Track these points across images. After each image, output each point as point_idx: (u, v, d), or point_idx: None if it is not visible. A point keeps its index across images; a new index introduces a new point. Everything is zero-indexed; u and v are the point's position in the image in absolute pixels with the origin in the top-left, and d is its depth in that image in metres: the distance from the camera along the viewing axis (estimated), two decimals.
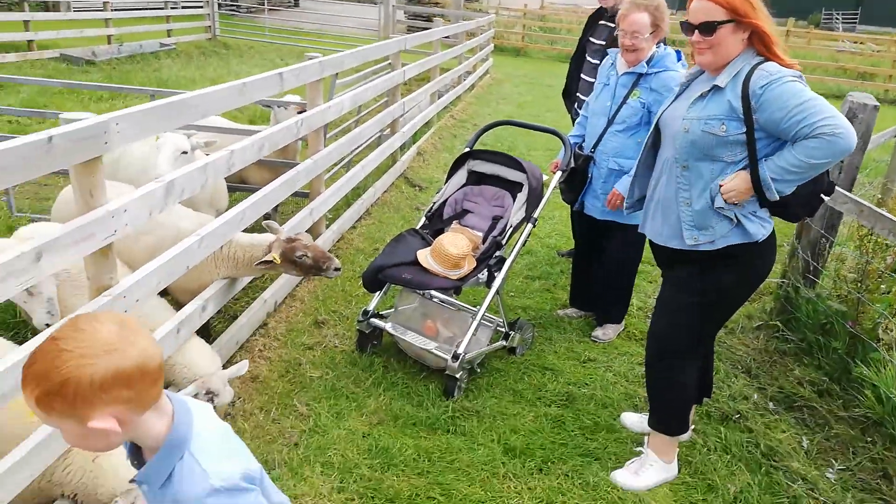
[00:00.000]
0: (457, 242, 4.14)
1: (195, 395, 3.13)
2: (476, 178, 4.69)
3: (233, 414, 3.80)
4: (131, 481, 1.52)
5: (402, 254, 4.29)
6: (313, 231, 5.79)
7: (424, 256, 4.21)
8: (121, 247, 3.40)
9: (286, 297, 5.18)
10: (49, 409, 1.35)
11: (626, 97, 4.26)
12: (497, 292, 4.20)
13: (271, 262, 3.89)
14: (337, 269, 4.11)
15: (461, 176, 4.69)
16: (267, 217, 5.88)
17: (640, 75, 4.23)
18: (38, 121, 8.03)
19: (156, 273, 3.13)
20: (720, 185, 2.98)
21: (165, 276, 3.25)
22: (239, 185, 5.96)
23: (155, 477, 1.49)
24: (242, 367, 3.39)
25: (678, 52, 4.27)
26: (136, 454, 1.56)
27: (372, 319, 4.42)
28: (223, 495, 1.47)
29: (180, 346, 3.38)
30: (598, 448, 3.74)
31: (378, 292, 4.49)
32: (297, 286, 5.38)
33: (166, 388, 1.52)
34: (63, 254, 2.48)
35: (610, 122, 4.36)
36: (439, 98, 11.04)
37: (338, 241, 6.31)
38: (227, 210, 4.81)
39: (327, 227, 6.10)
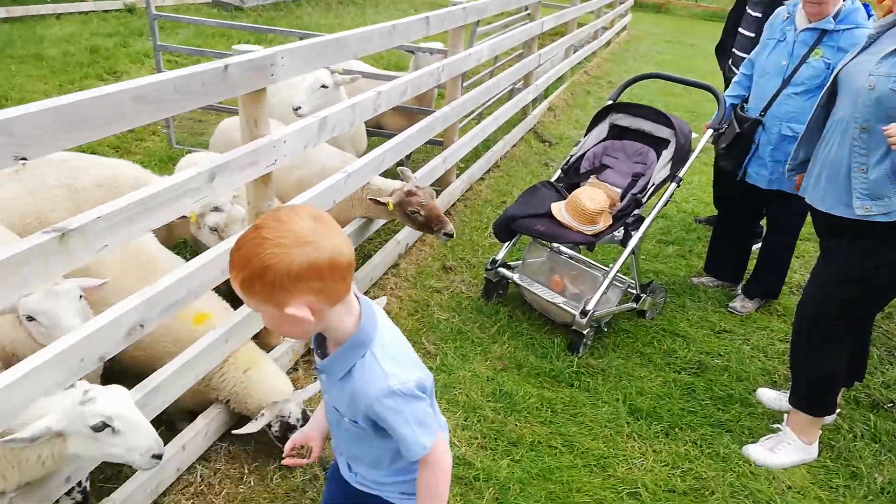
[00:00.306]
0: (594, 197, 4.03)
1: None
2: (617, 133, 4.51)
3: None
4: (314, 368, 1.64)
5: (535, 205, 4.23)
6: (444, 180, 5.85)
7: (559, 209, 4.14)
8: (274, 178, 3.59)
9: (417, 241, 5.30)
10: (251, 293, 1.44)
11: (807, 56, 3.82)
12: (632, 252, 4.08)
13: (384, 204, 3.95)
14: (447, 234, 4.10)
15: (602, 129, 4.53)
16: (401, 163, 6.03)
17: (825, 32, 3.74)
18: (194, 59, 8.59)
19: (311, 203, 3.28)
20: None
21: (317, 207, 3.40)
22: (376, 130, 6.10)
23: (337, 369, 1.58)
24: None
25: (866, 6, 3.82)
26: (321, 345, 1.65)
27: (500, 269, 4.43)
28: (399, 398, 1.53)
29: None
30: (730, 420, 3.59)
31: (507, 242, 4.48)
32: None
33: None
34: (232, 177, 2.65)
35: (785, 83, 3.92)
36: (574, 53, 10.68)
37: (466, 192, 6.35)
38: (365, 153, 4.97)
39: (457, 176, 6.14)
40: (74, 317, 2.37)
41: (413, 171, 5.00)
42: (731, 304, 4.66)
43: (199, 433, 3.00)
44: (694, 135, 4.32)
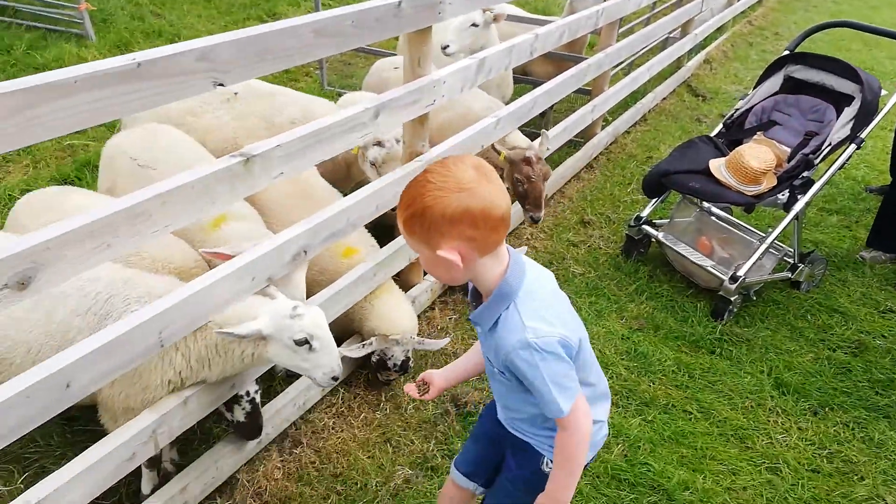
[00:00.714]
0: (759, 155, 3.73)
1: None
2: (793, 86, 4.13)
3: None
4: (467, 319, 1.69)
5: (691, 161, 3.99)
6: (589, 131, 5.68)
7: (717, 167, 3.88)
8: None
9: (555, 193, 5.23)
10: (411, 232, 1.52)
11: None
12: (795, 218, 3.78)
13: (498, 153, 3.86)
14: (534, 219, 3.89)
15: (774, 82, 4.17)
16: (544, 114, 5.92)
17: None
18: (351, 2, 8.80)
19: (458, 147, 3.31)
20: None
21: (463, 152, 3.43)
22: (521, 77, 6.00)
23: (485, 319, 1.62)
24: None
25: None
26: (476, 297, 1.69)
27: (644, 226, 4.28)
28: (536, 353, 1.53)
29: None
30: (889, 406, 3.31)
31: (655, 199, 4.31)
32: (566, 184, 5.39)
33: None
34: (394, 115, 2.73)
35: None
36: (738, 0, 9.84)
37: (610, 144, 6.14)
38: (510, 100, 4.91)
39: (602, 128, 5.94)
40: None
41: (556, 123, 4.90)
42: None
43: (344, 359, 3.20)
44: (883, 92, 3.88)
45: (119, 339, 1.90)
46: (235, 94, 3.62)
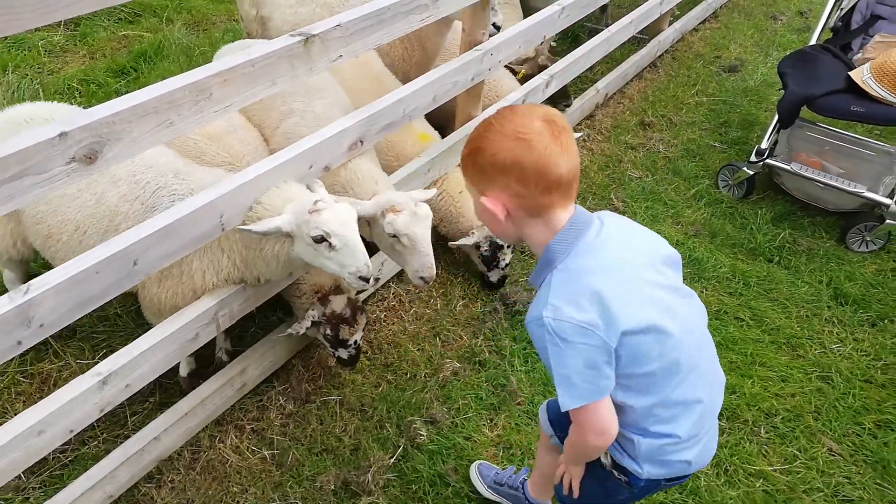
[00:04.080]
0: None
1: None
2: None
3: None
4: (530, 283, 1.58)
5: (826, 78, 3.56)
6: (654, 27, 5.35)
7: (864, 80, 3.46)
8: None
9: (615, 93, 5.01)
10: (465, 171, 1.48)
11: None
12: None
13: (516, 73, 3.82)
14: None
15: None
16: (604, 8, 5.56)
17: None
18: None
19: (519, 36, 3.17)
20: None
21: (525, 43, 3.28)
22: None
23: (535, 281, 1.52)
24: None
25: None
26: None
27: (769, 160, 3.80)
28: (547, 333, 1.38)
29: None
30: None
31: (779, 129, 3.84)
32: (626, 84, 5.15)
33: None
34: None
35: None
36: None
37: (677, 42, 5.79)
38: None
39: (670, 24, 5.59)
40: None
41: (621, 17, 4.62)
42: None
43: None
44: None
45: (182, 219, 1.93)
46: None
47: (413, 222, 2.38)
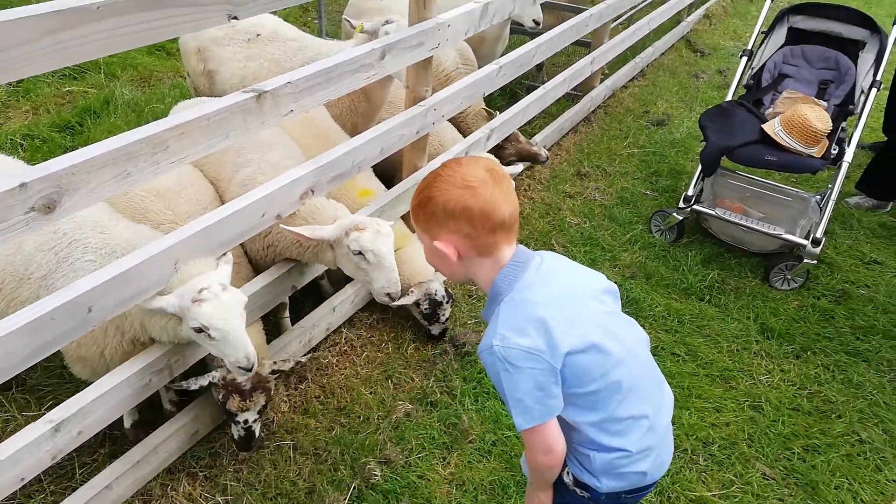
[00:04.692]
0: (820, 115, 3.68)
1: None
2: (796, 37, 4.16)
3: None
4: (483, 318, 1.69)
5: (741, 130, 3.89)
6: (587, 84, 5.71)
7: (775, 132, 3.79)
8: None
9: (553, 145, 5.28)
10: (416, 219, 1.60)
11: None
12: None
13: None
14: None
15: (779, 35, 4.17)
16: (540, 66, 5.93)
17: None
18: None
19: (460, 93, 3.37)
20: None
21: (466, 99, 3.48)
22: (521, 28, 5.97)
23: (487, 316, 1.64)
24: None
25: None
26: None
27: (695, 206, 4.03)
28: (497, 361, 1.49)
29: None
30: (868, 350, 3.46)
31: (704, 177, 4.11)
32: (563, 137, 5.44)
33: None
34: (400, 56, 2.77)
35: None
36: None
37: (608, 98, 6.17)
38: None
39: (601, 81, 5.96)
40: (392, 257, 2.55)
41: (555, 74, 4.92)
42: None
43: (347, 300, 3.31)
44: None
45: (134, 268, 1.98)
46: (258, 35, 3.68)
47: (377, 239, 2.48)
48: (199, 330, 2.06)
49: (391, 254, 2.56)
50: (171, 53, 6.14)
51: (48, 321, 1.77)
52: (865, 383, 3.25)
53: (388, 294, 2.59)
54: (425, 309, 3.19)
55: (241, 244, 2.81)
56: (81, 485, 2.30)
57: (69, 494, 2.25)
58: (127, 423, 2.64)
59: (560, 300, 1.56)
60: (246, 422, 2.47)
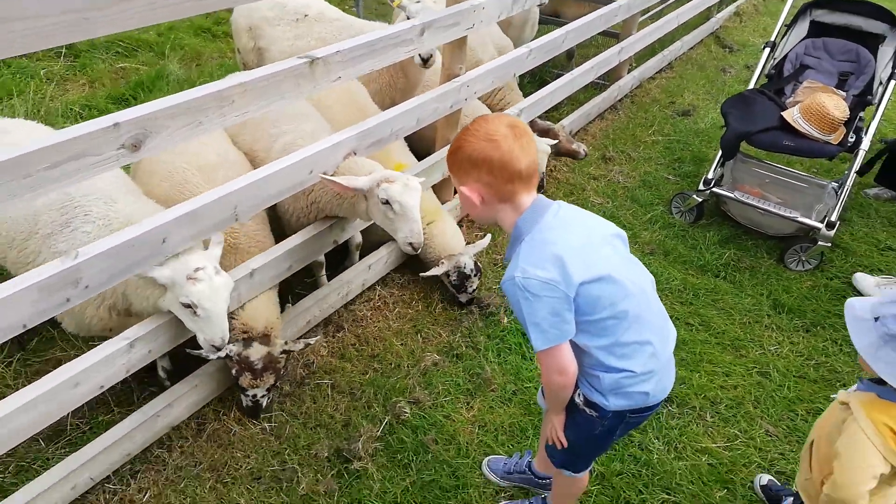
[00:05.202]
0: (838, 104, 3.86)
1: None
2: (818, 30, 4.32)
3: None
4: (505, 260, 1.92)
5: (762, 117, 4.06)
6: (615, 73, 5.89)
7: (794, 119, 3.97)
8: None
9: (579, 130, 5.48)
10: (449, 167, 1.83)
11: None
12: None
13: None
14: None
15: (801, 28, 4.35)
16: (571, 54, 6.13)
17: None
18: None
19: (491, 73, 3.59)
20: None
21: (497, 78, 3.71)
22: (551, 18, 6.18)
23: (509, 256, 1.86)
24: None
25: None
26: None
27: (714, 189, 4.20)
28: (518, 290, 1.71)
29: None
30: None
31: (725, 160, 4.28)
32: (589, 123, 5.64)
33: None
34: (438, 34, 3.01)
35: None
36: None
37: (635, 88, 6.34)
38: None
39: (629, 72, 6.14)
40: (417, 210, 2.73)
41: (584, 62, 5.12)
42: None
43: (381, 260, 3.56)
44: None
45: (202, 207, 2.24)
46: (306, 16, 3.96)
47: (405, 191, 2.67)
48: (187, 306, 2.21)
49: (416, 207, 2.73)
50: (216, 36, 6.46)
51: (129, 247, 2.05)
52: None
53: (410, 243, 2.76)
54: (454, 280, 3.42)
55: (278, 209, 3.09)
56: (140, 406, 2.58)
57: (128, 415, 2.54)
58: (162, 373, 2.83)
59: (576, 241, 1.77)
60: (255, 396, 2.68)
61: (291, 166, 2.55)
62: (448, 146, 2.85)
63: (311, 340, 2.81)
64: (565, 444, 2.05)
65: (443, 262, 3.41)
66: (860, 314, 1.86)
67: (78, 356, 2.13)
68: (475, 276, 3.44)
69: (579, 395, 1.94)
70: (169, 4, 1.88)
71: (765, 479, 2.71)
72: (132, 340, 2.20)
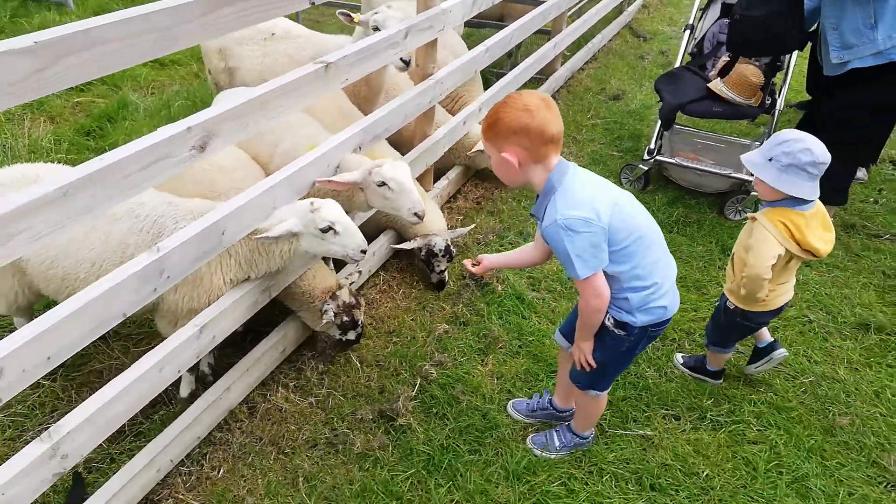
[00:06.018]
0: (756, 72, 4.44)
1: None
2: (727, 11, 4.96)
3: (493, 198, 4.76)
4: (531, 214, 2.24)
5: (691, 89, 4.62)
6: (550, 67, 6.40)
7: (720, 89, 4.52)
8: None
9: None
10: (487, 137, 2.14)
11: None
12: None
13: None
14: None
15: (715, 10, 4.97)
16: (510, 54, 6.61)
17: None
18: None
19: (458, 70, 3.99)
20: None
21: (461, 76, 4.11)
22: (485, 22, 6.65)
23: (538, 210, 2.21)
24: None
25: None
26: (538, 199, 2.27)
27: (658, 157, 4.76)
28: (561, 230, 2.04)
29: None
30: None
31: (661, 131, 4.81)
32: None
33: None
34: (417, 37, 3.38)
35: None
36: None
37: (569, 79, 6.89)
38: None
39: (562, 64, 6.68)
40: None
41: (522, 60, 5.59)
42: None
43: (382, 247, 3.88)
44: None
45: (255, 199, 2.51)
46: (273, 34, 4.22)
47: (395, 168, 2.91)
48: (328, 229, 2.56)
49: (410, 179, 2.98)
50: (164, 64, 6.59)
51: (199, 240, 2.31)
52: (809, 280, 4.00)
53: (415, 213, 2.97)
54: (422, 256, 3.71)
55: None
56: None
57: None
58: (184, 392, 2.97)
59: (597, 188, 2.15)
60: (361, 323, 3.14)
61: (314, 161, 2.84)
62: (425, 140, 3.17)
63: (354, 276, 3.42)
64: (594, 365, 2.44)
65: (417, 239, 3.72)
66: (758, 161, 2.63)
67: (117, 366, 2.33)
68: (443, 256, 3.69)
69: (609, 318, 2.32)
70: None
71: (679, 357, 3.34)
72: (201, 327, 2.45)
